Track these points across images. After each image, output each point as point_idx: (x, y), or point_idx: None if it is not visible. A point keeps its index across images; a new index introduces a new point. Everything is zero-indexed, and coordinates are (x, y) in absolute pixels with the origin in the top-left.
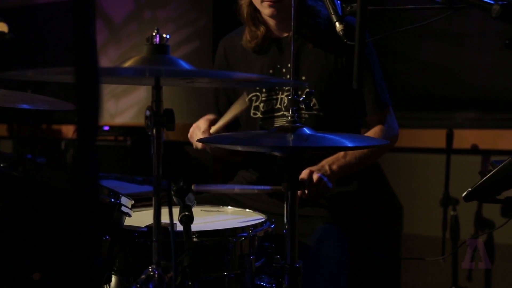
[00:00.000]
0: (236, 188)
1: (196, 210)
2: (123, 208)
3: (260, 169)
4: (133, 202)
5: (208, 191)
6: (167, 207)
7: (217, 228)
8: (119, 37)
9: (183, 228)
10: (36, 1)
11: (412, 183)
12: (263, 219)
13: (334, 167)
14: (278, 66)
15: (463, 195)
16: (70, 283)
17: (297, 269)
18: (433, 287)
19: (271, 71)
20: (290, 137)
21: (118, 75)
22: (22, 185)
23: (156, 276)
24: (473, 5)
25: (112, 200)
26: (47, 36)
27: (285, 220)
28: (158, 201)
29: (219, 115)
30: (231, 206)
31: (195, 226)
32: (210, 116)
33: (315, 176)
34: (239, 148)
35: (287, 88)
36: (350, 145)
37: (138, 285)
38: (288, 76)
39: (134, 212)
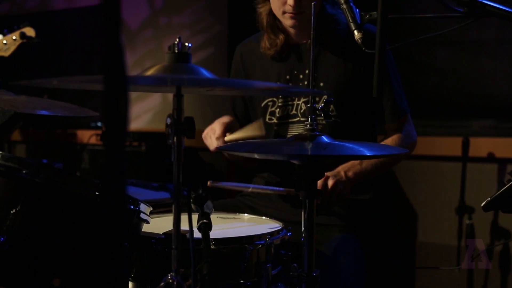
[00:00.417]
0: (251, 188)
1: (212, 217)
2: (141, 215)
3: (275, 175)
4: (151, 209)
5: (223, 187)
6: (184, 213)
7: (234, 236)
8: (135, 43)
9: (202, 235)
10: (54, 7)
11: (428, 191)
12: (280, 227)
13: (350, 173)
14: (296, 72)
15: (482, 204)
16: None
17: (315, 277)
18: None
19: (288, 77)
20: (309, 146)
21: (141, 84)
22: (44, 192)
23: (175, 283)
24: (495, 14)
25: (132, 207)
26: (64, 42)
27: (303, 228)
28: (178, 208)
29: (235, 117)
30: (247, 213)
31: (212, 233)
32: (225, 119)
33: (330, 182)
34: (256, 156)
35: (303, 94)
36: (368, 153)
37: None
38: (305, 82)
39: (151, 218)
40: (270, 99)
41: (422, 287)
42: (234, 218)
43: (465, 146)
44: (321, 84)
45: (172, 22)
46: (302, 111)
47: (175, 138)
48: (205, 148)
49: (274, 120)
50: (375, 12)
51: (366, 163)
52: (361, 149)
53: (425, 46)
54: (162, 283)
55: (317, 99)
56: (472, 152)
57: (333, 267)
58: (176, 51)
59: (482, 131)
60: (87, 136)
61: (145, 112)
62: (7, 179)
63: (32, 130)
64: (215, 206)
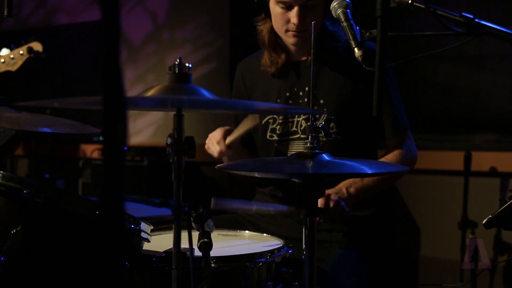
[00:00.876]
0: (254, 207)
1: (213, 235)
2: (142, 234)
3: (278, 190)
4: (152, 227)
5: (226, 209)
6: (185, 231)
7: (234, 254)
8: (137, 57)
9: (202, 255)
10: (58, 22)
11: (430, 206)
12: (281, 244)
13: (352, 189)
14: (295, 89)
15: (484, 222)
16: None
17: None
18: None
19: (288, 94)
20: (309, 164)
21: (141, 106)
22: (44, 212)
23: None
24: (493, 34)
25: (132, 226)
26: (68, 57)
27: (304, 246)
28: (178, 229)
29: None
30: (248, 230)
31: (213, 251)
32: (225, 127)
33: (332, 200)
34: (256, 175)
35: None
36: (369, 171)
37: None
38: (305, 99)
39: (152, 235)
40: (271, 116)
41: None
42: (235, 235)
43: (467, 160)
44: (321, 101)
45: (174, 37)
46: (302, 128)
47: (175, 157)
48: (207, 163)
49: (275, 137)
50: (375, 30)
51: (367, 180)
52: (362, 167)
53: (426, 60)
54: None
55: (317, 116)
56: (475, 167)
57: (334, 284)
58: (177, 72)
59: (484, 145)
60: (90, 150)
61: (147, 127)
62: (8, 199)
63: (35, 145)
64: (216, 221)
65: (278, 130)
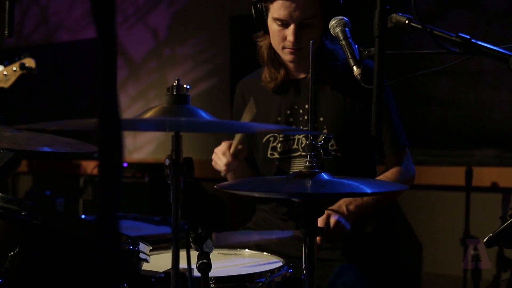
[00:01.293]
0: (257, 238)
1: (213, 253)
2: (141, 255)
3: (279, 207)
4: (151, 248)
5: (229, 243)
6: (184, 250)
7: (234, 274)
8: (138, 74)
9: (201, 276)
10: (59, 39)
11: (432, 221)
12: (281, 264)
13: (351, 207)
14: (296, 107)
15: (484, 240)
16: None
17: None
18: None
19: (288, 112)
20: (308, 183)
21: (139, 128)
22: (42, 234)
23: None
24: (489, 55)
25: (131, 247)
26: (70, 74)
27: (303, 265)
28: (176, 251)
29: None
30: (248, 248)
31: (212, 271)
32: (230, 141)
33: (333, 220)
34: (256, 194)
35: (304, 128)
36: (369, 191)
37: None
38: (305, 117)
39: (151, 255)
40: (271, 134)
41: None
42: (235, 254)
43: (468, 175)
44: (321, 119)
45: (175, 53)
46: (303, 145)
47: (173, 179)
48: (208, 179)
49: (276, 155)
50: (373, 48)
51: (367, 197)
52: (361, 186)
53: (426, 76)
54: None
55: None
56: (476, 182)
57: None
58: (175, 93)
59: (485, 161)
60: (91, 167)
61: (148, 143)
62: (6, 221)
63: (36, 161)
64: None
65: (279, 148)
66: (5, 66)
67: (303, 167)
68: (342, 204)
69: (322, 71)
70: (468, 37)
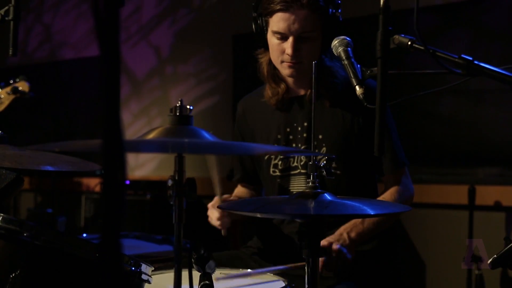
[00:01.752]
0: (252, 274)
1: (215, 274)
2: (143, 276)
3: (280, 225)
4: (153, 268)
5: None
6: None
7: None
8: (141, 91)
9: None
10: (63, 57)
11: (435, 240)
12: (284, 284)
13: (353, 234)
14: (295, 124)
15: (489, 262)
16: None
17: None
18: None
19: (288, 130)
20: (311, 204)
21: (142, 150)
22: (44, 255)
23: None
24: (492, 76)
25: (133, 268)
26: (73, 91)
27: (306, 286)
28: (179, 273)
29: (244, 171)
30: (250, 267)
31: None
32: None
33: (334, 248)
34: (258, 215)
35: (303, 146)
36: (371, 212)
37: None
38: (304, 135)
39: (153, 275)
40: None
41: None
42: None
43: (471, 194)
44: (320, 136)
45: (178, 71)
46: (302, 163)
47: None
48: (209, 196)
49: (277, 173)
50: (376, 68)
51: (367, 222)
52: (364, 207)
53: (428, 95)
54: None
55: (316, 150)
56: (479, 201)
57: None
58: (178, 114)
59: (488, 179)
60: (93, 184)
61: (150, 160)
62: (8, 242)
63: (38, 179)
64: (218, 258)
65: (280, 166)
66: (1, 88)
67: (304, 187)
68: (343, 231)
69: (321, 88)
70: (471, 58)
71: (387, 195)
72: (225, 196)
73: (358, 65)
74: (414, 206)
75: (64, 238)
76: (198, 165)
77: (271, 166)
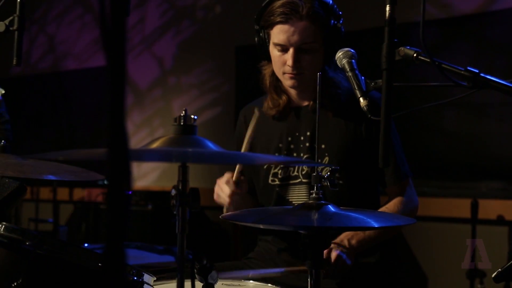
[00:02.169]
0: (250, 274)
1: (217, 285)
2: (145, 286)
3: (282, 240)
4: (155, 278)
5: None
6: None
7: None
8: (144, 102)
9: None
10: (66, 67)
11: (437, 254)
12: None
13: (354, 241)
14: (297, 133)
15: (493, 276)
16: None
17: None
18: None
19: (289, 139)
20: (315, 216)
21: (146, 159)
22: (46, 264)
23: None
24: (498, 89)
25: (135, 278)
26: (76, 101)
27: None
28: (181, 283)
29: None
30: (253, 280)
31: None
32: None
33: (334, 254)
34: (261, 226)
35: (305, 156)
36: (375, 225)
37: None
38: (307, 144)
39: (155, 285)
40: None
41: None
42: (239, 285)
43: (474, 208)
44: (323, 145)
45: (180, 82)
46: (304, 172)
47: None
48: (212, 207)
49: (277, 182)
50: (380, 80)
51: (370, 230)
52: (368, 219)
53: (431, 108)
54: None
55: (319, 160)
56: (482, 215)
57: None
58: (182, 123)
59: (491, 193)
60: (95, 194)
61: (152, 171)
62: (10, 251)
63: (39, 188)
64: (219, 268)
65: (280, 174)
66: None
67: (304, 197)
68: (344, 238)
69: (324, 99)
70: (477, 71)
71: (391, 205)
72: (242, 177)
73: (362, 77)
74: (417, 219)
75: (66, 248)
76: (201, 175)
77: (270, 174)
